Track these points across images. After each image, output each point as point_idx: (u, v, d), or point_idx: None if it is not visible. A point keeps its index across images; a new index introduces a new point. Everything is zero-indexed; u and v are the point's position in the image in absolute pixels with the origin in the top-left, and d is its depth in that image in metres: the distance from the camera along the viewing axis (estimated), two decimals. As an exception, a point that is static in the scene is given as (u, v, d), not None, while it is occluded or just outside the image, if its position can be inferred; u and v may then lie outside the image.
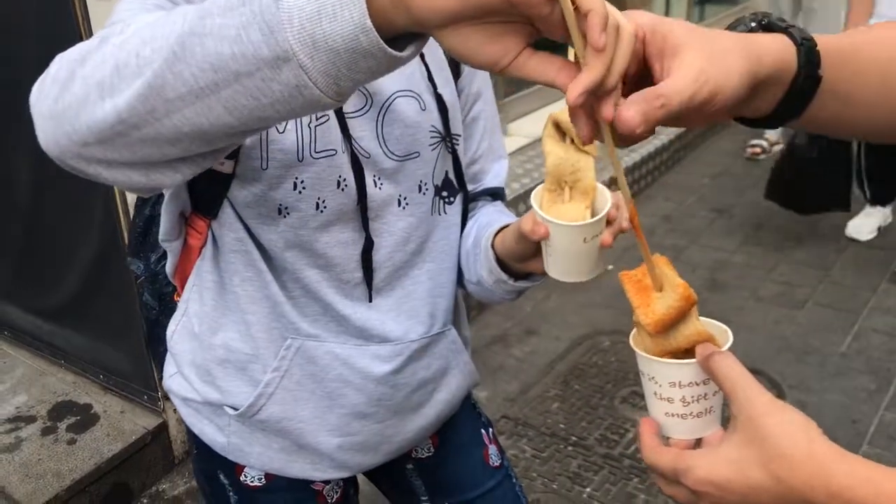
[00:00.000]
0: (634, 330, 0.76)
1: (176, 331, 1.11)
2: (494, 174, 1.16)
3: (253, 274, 1.01)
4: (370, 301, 1.05)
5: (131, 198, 2.18)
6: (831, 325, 2.98)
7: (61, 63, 0.67)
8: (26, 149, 2.28)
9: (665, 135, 4.26)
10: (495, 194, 1.17)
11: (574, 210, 0.88)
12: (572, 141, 0.86)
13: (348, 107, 0.96)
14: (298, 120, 0.94)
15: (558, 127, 0.87)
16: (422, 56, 1.01)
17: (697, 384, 0.72)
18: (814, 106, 0.68)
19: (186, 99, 0.60)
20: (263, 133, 0.92)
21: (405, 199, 1.03)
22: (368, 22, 0.55)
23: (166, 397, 2.46)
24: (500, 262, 1.05)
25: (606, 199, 0.90)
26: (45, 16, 2.06)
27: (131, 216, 2.16)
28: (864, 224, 3.57)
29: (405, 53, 0.58)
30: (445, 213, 1.09)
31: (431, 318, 1.10)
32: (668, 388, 0.73)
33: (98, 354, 2.58)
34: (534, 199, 0.90)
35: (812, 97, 0.67)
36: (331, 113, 0.95)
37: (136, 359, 2.43)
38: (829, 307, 3.10)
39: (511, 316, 3.10)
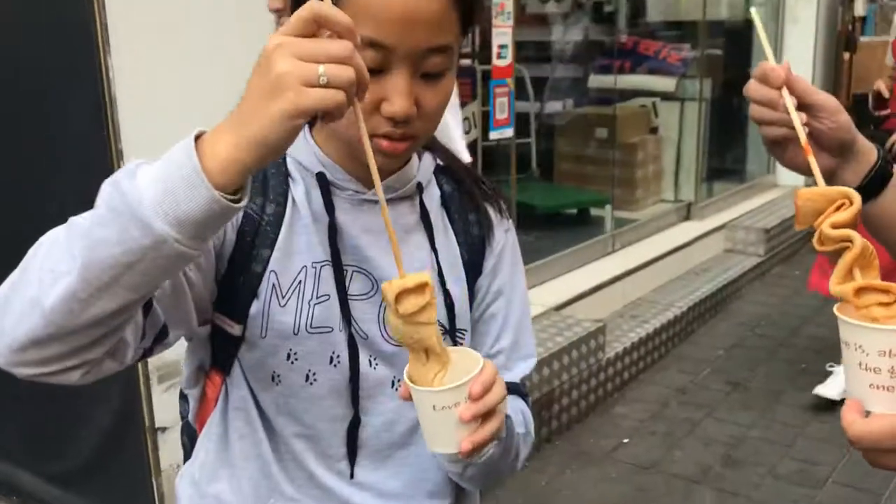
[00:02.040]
0: (839, 302, 0.79)
1: (184, 475, 1.16)
2: (516, 373, 1.15)
3: (249, 432, 1.05)
4: (352, 478, 1.07)
5: (154, 368, 2.24)
6: (853, 505, 2.90)
7: None
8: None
9: (677, 307, 4.33)
10: (511, 389, 1.17)
11: (429, 372, 0.87)
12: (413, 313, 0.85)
13: (354, 290, 1.02)
14: (300, 297, 1.00)
15: (399, 297, 0.85)
16: (435, 253, 1.07)
17: None
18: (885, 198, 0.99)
19: (95, 294, 0.75)
20: (265, 305, 1.00)
21: (399, 381, 1.06)
22: (216, 193, 0.72)
23: (170, 571, 2.40)
24: None
25: (473, 370, 0.87)
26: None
27: (152, 391, 2.23)
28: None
29: (243, 202, 0.76)
30: None
31: (416, 502, 1.11)
32: (876, 357, 0.73)
33: (105, 523, 2.55)
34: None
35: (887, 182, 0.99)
36: (332, 292, 1.01)
37: (143, 529, 2.40)
38: (850, 486, 3.02)
39: (524, 490, 3.04)
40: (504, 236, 1.14)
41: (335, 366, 1.02)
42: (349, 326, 1.02)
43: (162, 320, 0.89)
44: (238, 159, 0.73)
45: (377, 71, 0.88)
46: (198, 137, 0.75)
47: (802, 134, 0.92)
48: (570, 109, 5.97)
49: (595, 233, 4.72)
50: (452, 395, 0.85)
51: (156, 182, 0.73)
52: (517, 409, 1.10)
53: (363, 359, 1.03)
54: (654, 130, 5.70)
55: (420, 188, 1.07)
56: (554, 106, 5.98)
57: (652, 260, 4.61)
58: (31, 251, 0.80)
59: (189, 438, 1.21)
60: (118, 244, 0.73)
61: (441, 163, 1.13)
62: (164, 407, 2.28)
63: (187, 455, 1.23)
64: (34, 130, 2.36)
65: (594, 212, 5.19)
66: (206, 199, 0.72)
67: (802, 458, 3.25)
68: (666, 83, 5.75)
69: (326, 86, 0.72)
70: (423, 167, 1.09)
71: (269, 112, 0.72)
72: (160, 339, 0.91)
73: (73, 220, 0.78)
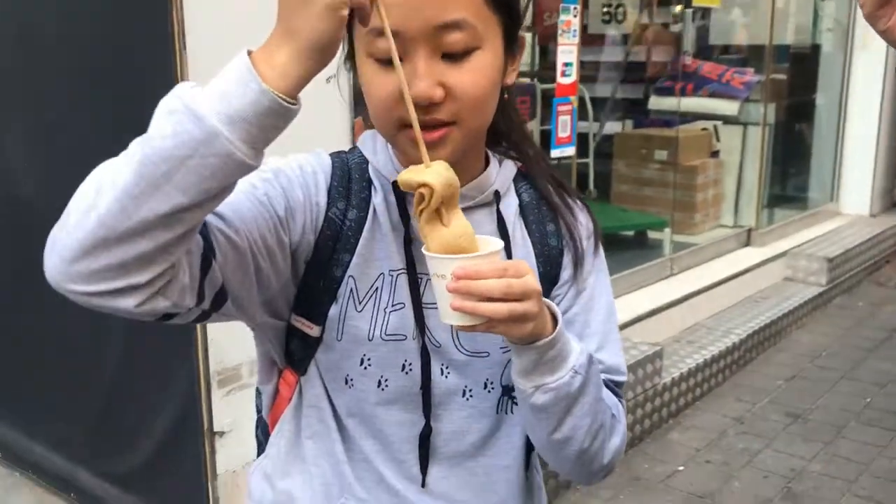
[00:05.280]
0: None
1: (256, 469, 1.17)
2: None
3: (323, 430, 1.06)
4: (423, 486, 1.06)
5: (215, 372, 2.26)
6: (921, 548, 2.78)
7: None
8: (120, 318, 2.40)
9: (735, 334, 4.24)
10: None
11: (451, 233, 0.89)
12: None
13: (427, 298, 1.01)
14: (376, 304, 1.01)
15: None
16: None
17: None
18: None
19: (148, 192, 0.76)
20: (343, 309, 1.00)
21: (470, 391, 1.06)
22: (265, 86, 0.76)
23: (222, 576, 2.41)
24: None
25: (484, 249, 0.90)
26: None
27: (212, 395, 2.26)
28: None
29: (297, 106, 0.79)
30: (511, 412, 1.09)
31: None
32: None
33: (159, 525, 2.58)
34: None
35: None
36: (407, 302, 1.01)
37: (197, 533, 2.42)
38: (917, 528, 2.91)
39: (576, 513, 3.00)
40: (586, 243, 1.11)
41: (407, 373, 1.02)
42: (423, 335, 1.02)
43: (220, 281, 0.88)
44: (294, 65, 0.77)
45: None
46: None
47: None
48: (629, 130, 5.92)
49: (653, 256, 4.65)
50: (441, 265, 0.88)
51: (211, 87, 0.78)
52: (609, 395, 1.06)
53: (435, 367, 1.03)
54: (715, 154, 5.62)
55: (497, 196, 1.07)
56: (613, 126, 5.94)
57: (711, 285, 4.52)
58: (83, 184, 0.80)
59: (263, 434, 1.22)
60: (172, 137, 0.76)
61: (523, 170, 1.11)
62: (223, 411, 2.30)
63: (261, 450, 1.23)
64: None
65: (652, 234, 5.12)
66: (256, 93, 0.76)
67: (866, 495, 3.13)
68: (729, 106, 5.66)
69: None
70: (501, 175, 1.08)
71: (314, 11, 0.77)
72: (218, 303, 0.90)
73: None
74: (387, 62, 0.90)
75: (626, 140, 5.73)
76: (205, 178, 0.77)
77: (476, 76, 0.93)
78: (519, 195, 1.10)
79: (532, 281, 0.89)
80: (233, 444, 2.33)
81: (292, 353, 1.07)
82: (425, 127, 0.90)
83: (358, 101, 2.53)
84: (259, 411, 1.22)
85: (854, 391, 4.02)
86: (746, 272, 4.87)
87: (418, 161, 0.90)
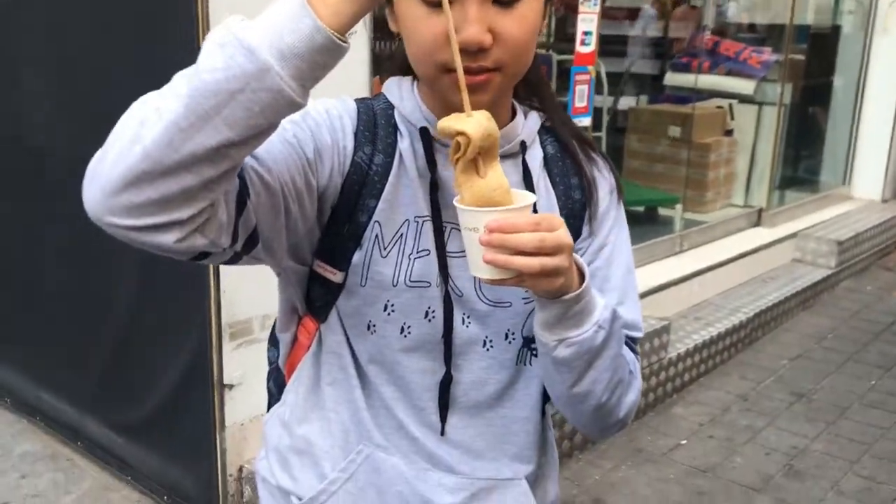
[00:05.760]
0: None
1: (271, 417, 1.18)
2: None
3: (343, 377, 1.07)
4: (442, 433, 1.07)
5: (226, 325, 2.27)
6: (920, 528, 2.80)
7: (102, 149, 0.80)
8: (131, 268, 2.41)
9: (743, 312, 4.23)
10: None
11: (486, 185, 0.88)
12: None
13: (452, 247, 1.01)
14: (401, 250, 1.00)
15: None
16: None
17: None
18: None
19: (196, 125, 0.75)
20: (367, 254, 1.00)
21: (491, 341, 1.06)
22: (319, 23, 0.75)
23: (227, 526, 2.43)
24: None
25: (517, 202, 0.88)
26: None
27: (223, 348, 2.26)
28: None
29: (347, 44, 0.78)
30: (530, 364, 1.09)
31: (499, 463, 1.10)
32: None
33: (165, 474, 2.60)
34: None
35: None
36: (432, 249, 1.01)
37: (204, 483, 2.44)
38: (917, 509, 2.92)
39: (578, 483, 3.01)
40: (608, 197, 1.11)
41: (430, 321, 1.02)
42: (446, 283, 1.02)
43: (254, 223, 0.88)
44: (348, 4, 0.77)
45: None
46: None
47: None
48: (643, 106, 5.88)
49: (663, 232, 4.64)
50: (474, 218, 0.86)
51: (262, 22, 0.77)
52: (626, 350, 1.06)
53: (457, 316, 1.03)
54: (729, 132, 5.58)
55: (524, 147, 1.06)
56: (627, 101, 5.90)
57: (719, 263, 4.51)
58: (126, 114, 0.79)
59: (276, 385, 1.22)
60: (223, 70, 0.74)
61: (547, 123, 1.10)
62: (234, 364, 2.31)
63: (272, 401, 1.24)
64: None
65: (663, 211, 5.10)
66: (310, 29, 0.75)
67: (868, 475, 3.15)
68: (745, 85, 5.62)
69: None
70: (527, 126, 1.07)
71: None
72: (250, 245, 0.90)
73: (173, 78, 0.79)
74: (434, 4, 0.88)
75: (639, 115, 5.68)
76: (254, 114, 0.76)
77: (523, 23, 0.92)
78: (543, 147, 1.09)
79: (564, 235, 0.89)
80: (241, 397, 2.34)
81: (313, 300, 1.07)
82: (468, 72, 0.88)
83: (376, 61, 2.50)
84: (271, 363, 1.23)
85: (859, 373, 4.02)
86: (755, 252, 4.85)
87: (457, 107, 0.88)
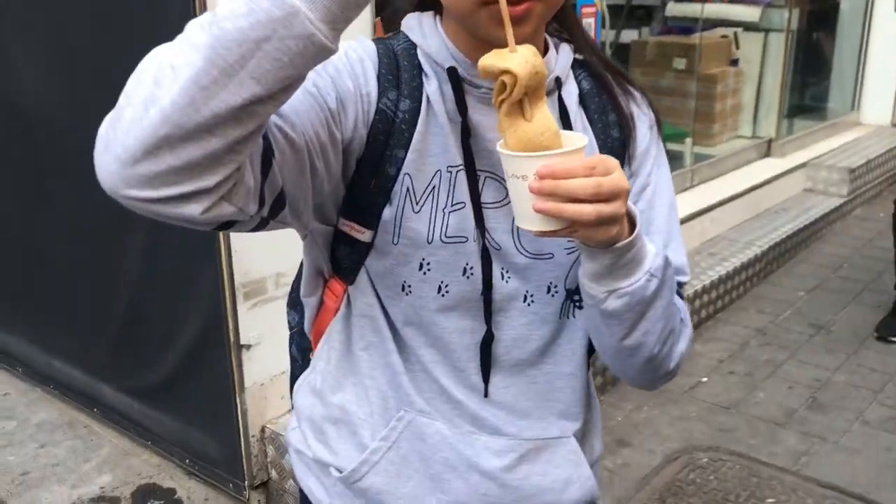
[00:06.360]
0: None
1: (301, 385, 1.13)
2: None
3: (377, 340, 1.01)
4: (485, 395, 1.02)
5: (240, 285, 2.20)
6: (948, 455, 2.78)
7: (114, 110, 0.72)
8: (140, 231, 2.34)
9: (757, 245, 4.17)
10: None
11: (533, 128, 0.81)
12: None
13: (486, 197, 0.95)
14: (434, 203, 0.94)
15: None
16: None
17: None
18: None
19: (220, 81, 0.67)
20: (399, 210, 0.93)
21: (532, 296, 1.00)
22: None
23: (253, 486, 2.41)
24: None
25: (566, 145, 0.81)
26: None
27: (237, 308, 2.20)
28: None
29: None
30: (574, 317, 1.04)
31: (546, 422, 1.05)
32: None
33: (186, 438, 2.57)
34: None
35: None
36: (467, 201, 0.94)
37: (225, 445, 2.41)
38: (943, 436, 2.90)
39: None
40: (647, 134, 1.04)
41: (468, 277, 0.96)
42: (483, 237, 0.95)
43: (280, 185, 0.81)
44: None
45: None
46: None
47: None
48: (646, 38, 5.72)
49: (674, 167, 4.53)
50: (522, 164, 0.80)
51: None
52: (676, 297, 0.99)
53: (495, 271, 0.97)
54: (734, 62, 5.44)
55: (559, 83, 0.98)
56: (629, 34, 5.74)
57: (730, 197, 4.43)
58: (136, 72, 0.71)
59: (299, 349, 1.17)
60: (246, 15, 0.66)
61: (579, 56, 1.03)
62: (250, 324, 2.25)
63: (296, 367, 1.18)
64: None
65: (672, 145, 5.00)
66: None
67: (892, 404, 3.12)
68: (750, 12, 5.46)
69: None
70: (560, 60, 0.99)
71: None
72: (277, 208, 0.82)
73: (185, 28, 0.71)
74: None
75: (642, 48, 5.54)
76: (283, 65, 0.68)
77: None
78: (578, 83, 1.02)
79: (621, 179, 0.82)
80: (259, 357, 2.30)
81: (339, 261, 1.00)
82: (508, 2, 0.81)
83: (377, 2, 2.39)
84: (292, 328, 1.17)
85: (876, 302, 3.98)
86: (766, 184, 4.77)
87: (492, 42, 0.81)
